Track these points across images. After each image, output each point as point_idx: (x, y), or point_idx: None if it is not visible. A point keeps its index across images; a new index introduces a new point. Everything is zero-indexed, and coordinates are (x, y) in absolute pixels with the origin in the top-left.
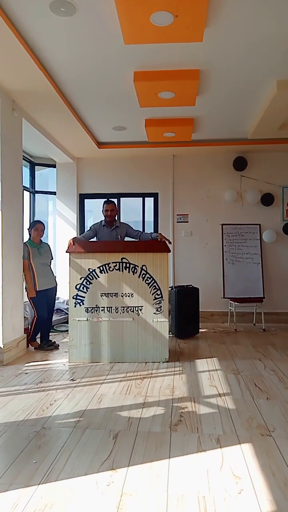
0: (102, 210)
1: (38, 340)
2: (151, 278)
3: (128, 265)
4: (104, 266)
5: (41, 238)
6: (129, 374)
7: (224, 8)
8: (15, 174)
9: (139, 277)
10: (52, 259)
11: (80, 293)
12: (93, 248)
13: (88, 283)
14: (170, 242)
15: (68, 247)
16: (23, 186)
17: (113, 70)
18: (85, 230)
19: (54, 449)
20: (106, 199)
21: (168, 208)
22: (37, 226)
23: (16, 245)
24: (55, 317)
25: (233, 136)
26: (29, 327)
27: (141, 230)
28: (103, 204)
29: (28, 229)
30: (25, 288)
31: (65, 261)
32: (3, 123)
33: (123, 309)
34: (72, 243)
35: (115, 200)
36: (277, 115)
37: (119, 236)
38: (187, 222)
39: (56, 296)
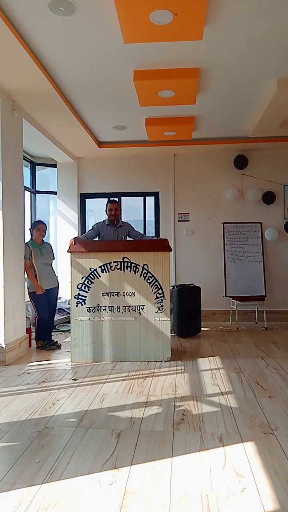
0: (106, 210)
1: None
2: (153, 277)
3: (129, 264)
4: (105, 266)
5: (43, 238)
6: (131, 373)
7: (224, 6)
8: (15, 174)
9: (140, 276)
10: (54, 259)
11: (81, 293)
12: (95, 248)
13: (89, 282)
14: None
15: (69, 247)
16: (24, 186)
17: (113, 69)
18: (87, 230)
19: (57, 448)
20: (110, 198)
21: (169, 207)
22: (39, 226)
23: (18, 245)
24: (57, 317)
25: (234, 135)
26: (32, 327)
27: (142, 232)
28: (107, 203)
29: (29, 229)
30: (28, 287)
31: (67, 260)
32: (4, 123)
33: (125, 308)
34: (73, 243)
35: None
36: (277, 113)
37: (122, 236)
38: (188, 221)
39: (58, 296)
